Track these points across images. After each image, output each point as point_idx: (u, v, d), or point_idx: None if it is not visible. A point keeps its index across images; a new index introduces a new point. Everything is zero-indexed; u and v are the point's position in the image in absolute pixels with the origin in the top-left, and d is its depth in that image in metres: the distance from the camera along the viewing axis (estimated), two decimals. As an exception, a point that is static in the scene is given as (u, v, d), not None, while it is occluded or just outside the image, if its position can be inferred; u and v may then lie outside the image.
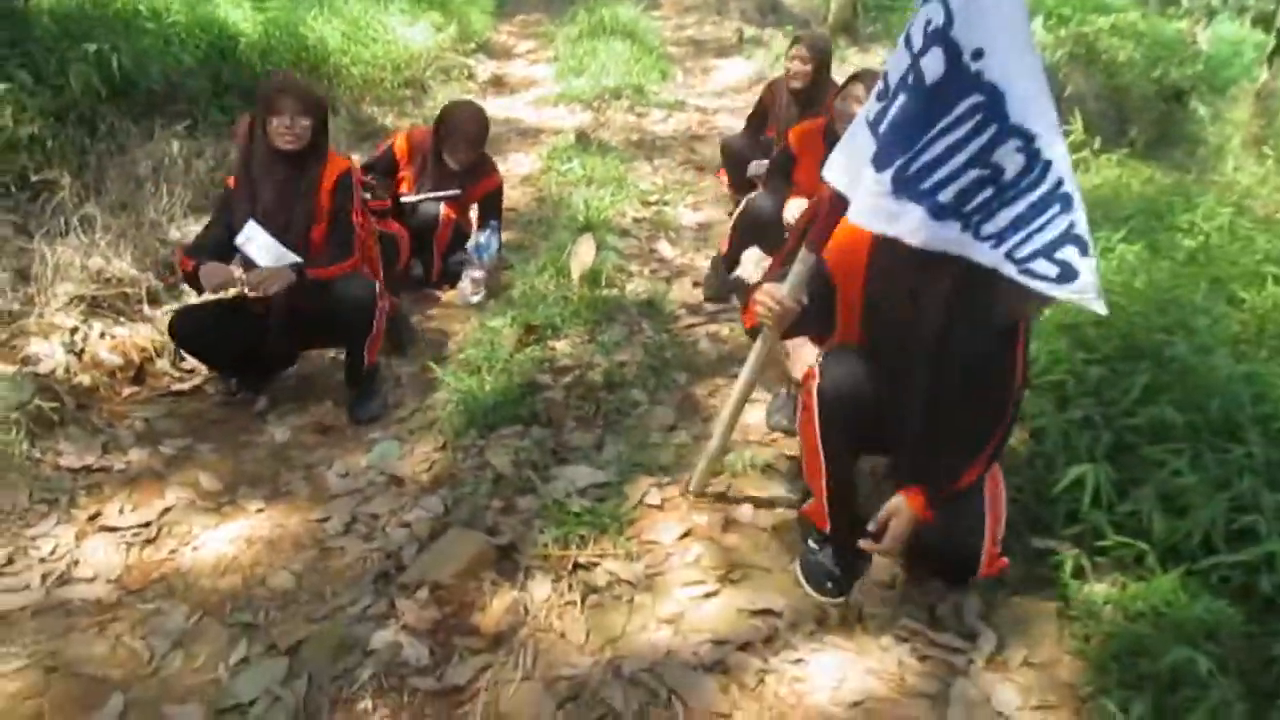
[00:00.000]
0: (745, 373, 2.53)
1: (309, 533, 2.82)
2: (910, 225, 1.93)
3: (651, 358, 3.61)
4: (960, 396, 2.16)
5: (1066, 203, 1.81)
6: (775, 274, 2.42)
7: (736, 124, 7.51)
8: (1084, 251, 1.79)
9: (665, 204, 5.57)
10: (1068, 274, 1.80)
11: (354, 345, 3.43)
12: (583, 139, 6.66)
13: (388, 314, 3.47)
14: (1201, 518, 2.14)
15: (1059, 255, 1.81)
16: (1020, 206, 1.85)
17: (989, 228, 1.90)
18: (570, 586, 2.50)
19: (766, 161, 4.55)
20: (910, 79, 1.87)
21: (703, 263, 4.65)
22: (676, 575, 2.52)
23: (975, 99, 1.82)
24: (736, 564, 2.57)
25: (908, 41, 1.89)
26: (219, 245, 3.27)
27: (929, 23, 1.84)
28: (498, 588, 2.52)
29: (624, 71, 8.66)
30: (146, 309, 4.01)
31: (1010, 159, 1.84)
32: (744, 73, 9.59)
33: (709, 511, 2.75)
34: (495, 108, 8.40)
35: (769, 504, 2.80)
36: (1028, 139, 1.81)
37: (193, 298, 3.75)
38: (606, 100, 8.04)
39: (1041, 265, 1.83)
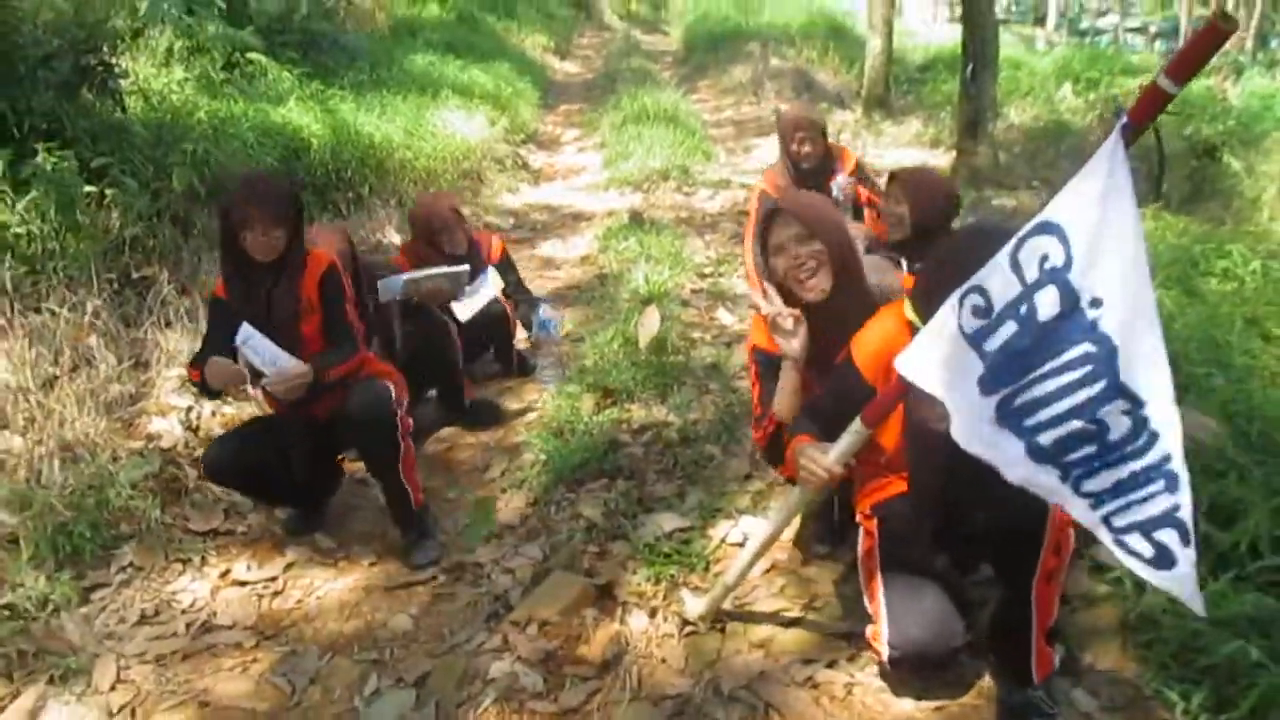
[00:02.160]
0: (773, 523, 2.45)
1: (420, 582, 3.07)
2: (1008, 458, 1.81)
3: (721, 414, 3.86)
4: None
5: (1173, 482, 1.65)
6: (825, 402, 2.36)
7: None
8: (1185, 540, 1.63)
9: (720, 275, 5.86)
10: (1164, 558, 1.65)
11: (384, 470, 3.19)
12: (636, 218, 7.01)
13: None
14: (1249, 525, 2.33)
15: (1157, 536, 1.67)
16: (1123, 472, 1.71)
17: (1090, 485, 1.76)
18: (666, 619, 2.73)
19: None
20: (1023, 309, 1.75)
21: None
22: (764, 605, 2.73)
23: (1088, 348, 1.69)
24: (817, 594, 2.78)
25: (1015, 266, 1.76)
26: (218, 352, 3.00)
27: (1045, 258, 1.72)
28: (599, 622, 2.75)
29: (669, 154, 9.05)
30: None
31: (1116, 420, 1.70)
32: (783, 150, 9.96)
33: (789, 549, 2.97)
34: (549, 194, 8.87)
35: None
36: (1136, 403, 1.67)
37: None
38: (654, 182, 8.42)
39: (1137, 541, 1.69)
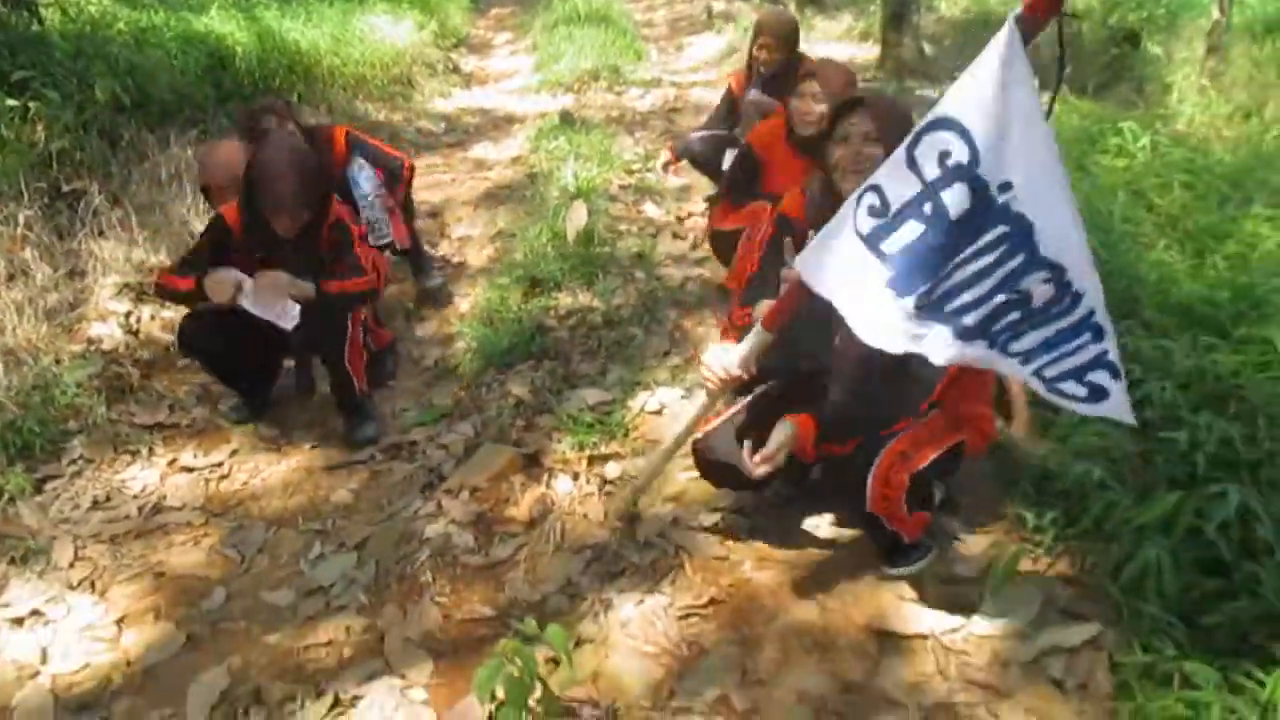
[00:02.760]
0: (683, 427, 2.52)
1: (360, 461, 3.27)
2: (935, 345, 1.90)
3: (644, 299, 4.05)
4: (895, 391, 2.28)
5: (1098, 333, 1.79)
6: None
7: (711, 95, 7.96)
8: (1115, 375, 1.79)
9: (648, 171, 5.98)
10: (1098, 394, 1.81)
11: (331, 354, 3.33)
12: (567, 119, 7.07)
13: (375, 340, 3.60)
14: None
15: (1090, 378, 1.81)
16: (1049, 331, 1.83)
17: (1016, 346, 1.87)
18: (588, 481, 2.95)
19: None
20: (927, 210, 1.81)
21: (688, 219, 5.09)
22: (676, 464, 2.94)
23: (1002, 229, 1.77)
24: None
25: (911, 163, 1.81)
26: (204, 269, 3.18)
27: (946, 155, 1.76)
28: (527, 487, 2.97)
29: (600, 55, 9.06)
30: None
31: (1038, 288, 1.79)
32: (715, 48, 10.01)
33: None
34: (481, 98, 8.87)
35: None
36: (1057, 269, 1.76)
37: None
38: (586, 83, 8.45)
39: (1070, 386, 1.83)
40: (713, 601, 2.38)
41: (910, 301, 1.87)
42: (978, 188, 1.73)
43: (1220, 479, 2.11)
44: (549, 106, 7.93)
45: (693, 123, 7.10)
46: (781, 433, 2.28)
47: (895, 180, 1.83)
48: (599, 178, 5.58)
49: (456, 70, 9.71)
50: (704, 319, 3.91)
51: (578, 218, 4.64)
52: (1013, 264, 1.77)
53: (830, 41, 10.25)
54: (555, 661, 2.14)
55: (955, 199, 1.75)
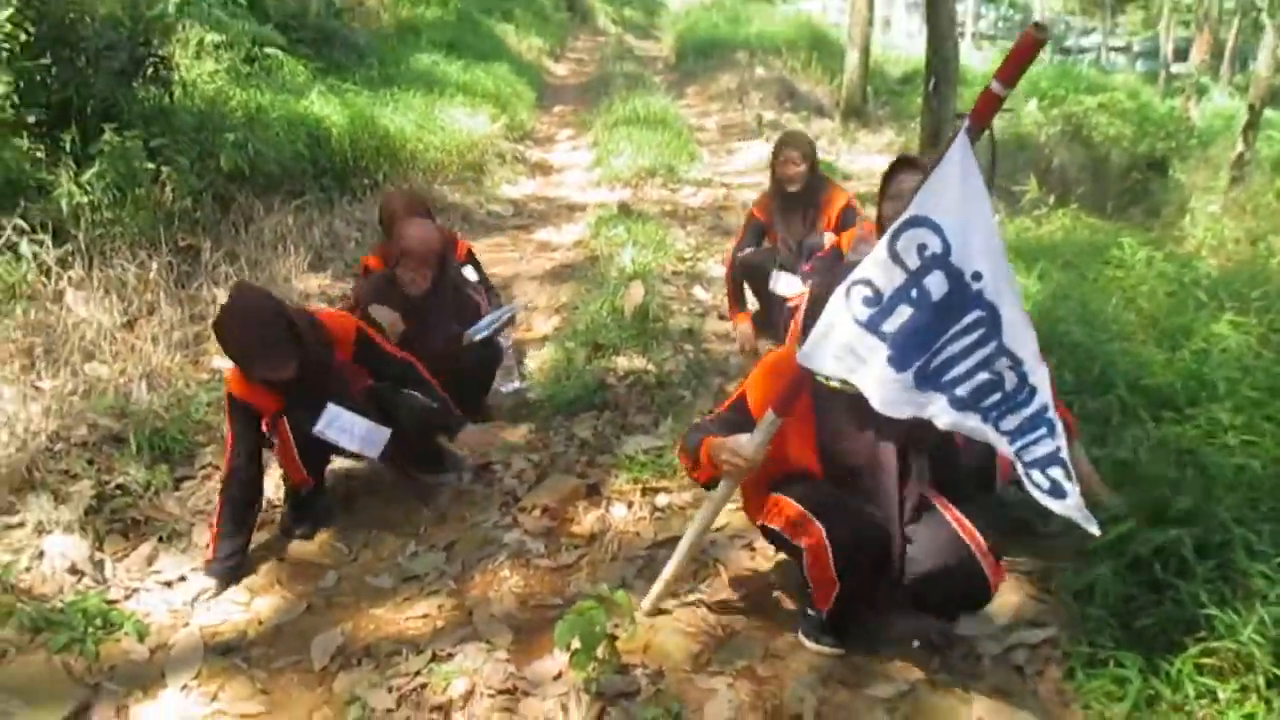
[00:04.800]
0: (701, 518, 2.63)
1: (445, 483, 3.81)
2: (937, 409, 2.07)
3: (692, 367, 4.62)
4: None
5: (1051, 429, 1.95)
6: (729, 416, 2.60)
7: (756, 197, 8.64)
8: (1069, 476, 1.94)
9: (698, 259, 6.62)
10: (1057, 491, 1.95)
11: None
12: (625, 209, 7.76)
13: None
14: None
15: (1049, 472, 1.96)
16: (1021, 417, 1.99)
17: (1005, 425, 2.03)
18: (641, 508, 3.48)
19: (786, 275, 4.80)
20: (914, 294, 1.99)
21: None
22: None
23: (978, 313, 1.97)
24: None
25: (895, 257, 2.00)
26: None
27: (924, 247, 1.96)
28: (588, 510, 3.51)
29: (657, 154, 9.79)
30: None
31: (1006, 374, 1.98)
32: (763, 153, 10.71)
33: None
34: (545, 188, 9.61)
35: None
36: (1016, 361, 1.96)
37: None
38: (643, 178, 9.17)
39: (1038, 476, 1.97)
40: (744, 598, 2.88)
41: (909, 375, 2.05)
42: (952, 274, 1.96)
43: (1165, 520, 2.61)
44: (608, 198, 8.63)
45: (739, 220, 7.77)
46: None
47: (882, 273, 2.04)
48: (654, 262, 6.20)
49: (523, 160, 10.49)
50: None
51: (635, 294, 5.24)
52: (988, 348, 1.99)
53: (871, 154, 10.96)
54: (613, 638, 2.63)
55: (935, 284, 1.98)
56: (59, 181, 5.41)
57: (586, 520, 3.45)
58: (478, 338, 4.09)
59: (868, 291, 2.07)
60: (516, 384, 4.67)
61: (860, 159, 10.47)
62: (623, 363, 4.62)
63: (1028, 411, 1.99)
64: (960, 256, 1.95)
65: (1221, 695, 2.20)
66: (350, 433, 3.28)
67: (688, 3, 30.46)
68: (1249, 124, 10.95)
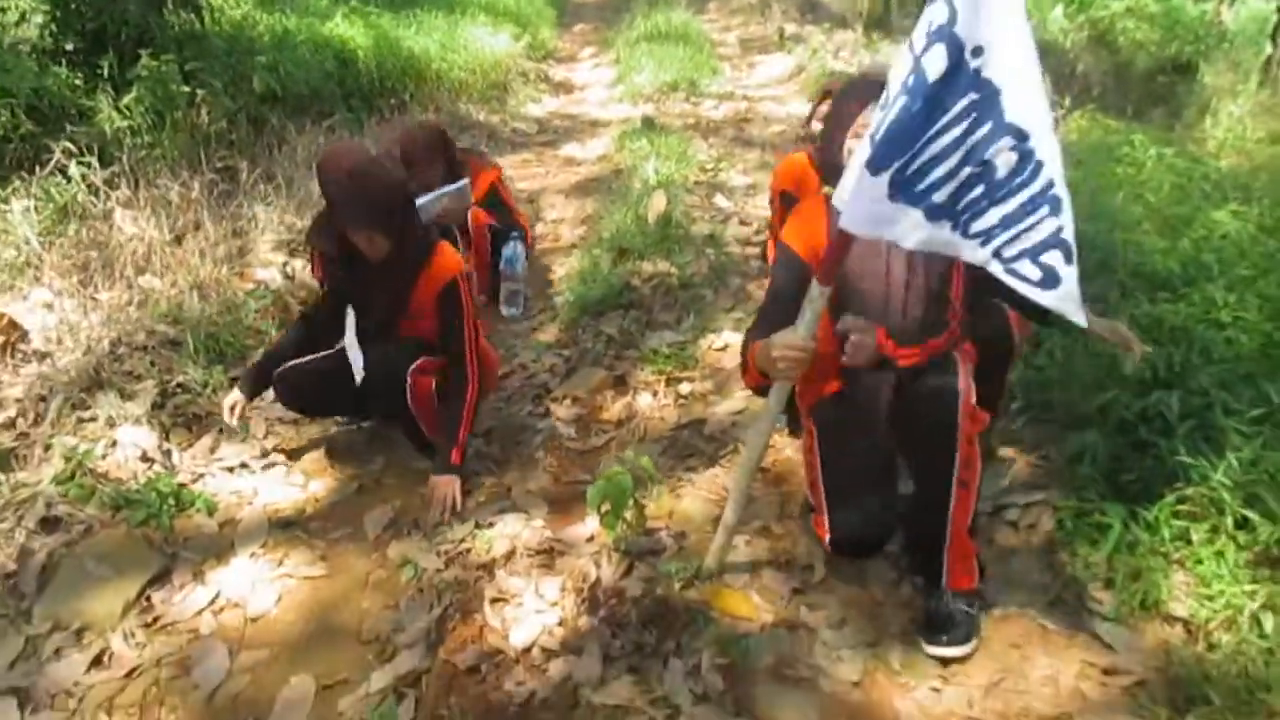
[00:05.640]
0: (758, 437, 2.44)
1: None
2: (905, 228, 1.94)
3: (714, 269, 4.80)
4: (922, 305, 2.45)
5: (1056, 206, 1.80)
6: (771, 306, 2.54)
7: (778, 109, 8.72)
8: (1068, 259, 1.79)
9: (720, 169, 6.75)
10: (1050, 279, 1.81)
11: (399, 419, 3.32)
12: (648, 123, 7.87)
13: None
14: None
15: (1044, 259, 1.81)
16: (1010, 205, 1.84)
17: (977, 225, 1.89)
18: (665, 396, 3.70)
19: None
20: (911, 81, 1.83)
21: (752, 210, 5.83)
22: (736, 387, 3.69)
23: (972, 96, 1.81)
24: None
25: (910, 46, 1.86)
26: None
27: (931, 23, 1.81)
28: (616, 399, 3.74)
29: (679, 69, 9.86)
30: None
31: (1002, 157, 1.82)
32: (785, 66, 10.76)
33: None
34: (568, 105, 9.71)
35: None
36: (1021, 137, 1.80)
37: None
38: (665, 94, 9.27)
39: (1026, 267, 1.84)
40: (764, 470, 3.10)
41: (884, 180, 1.90)
42: (953, 48, 1.79)
43: (1155, 386, 2.80)
44: (630, 114, 8.74)
45: (762, 132, 7.88)
46: (860, 329, 2.41)
47: (898, 68, 1.89)
48: (677, 174, 6.35)
49: (546, 79, 10.58)
50: (763, 285, 4.65)
51: (658, 203, 5.40)
52: (980, 133, 1.83)
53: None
54: (640, 504, 2.86)
55: (933, 61, 1.80)
56: (99, 106, 5.63)
57: (614, 408, 3.69)
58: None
59: (885, 96, 1.91)
60: (518, 310, 4.73)
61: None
62: (647, 267, 4.80)
63: (1025, 194, 1.82)
64: (965, 25, 1.78)
65: (1194, 536, 2.41)
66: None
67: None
68: (1279, 25, 10.82)
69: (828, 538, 2.54)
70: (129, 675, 2.55)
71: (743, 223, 5.64)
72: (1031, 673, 2.26)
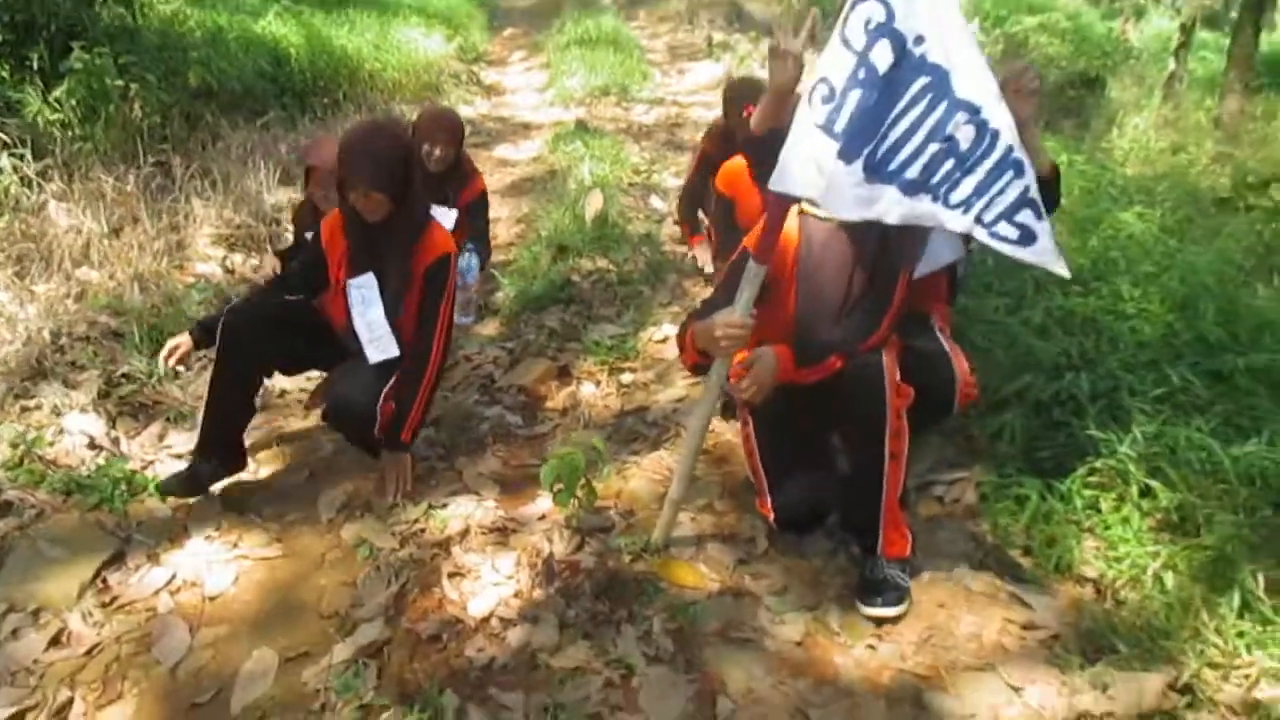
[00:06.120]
0: (699, 416, 2.58)
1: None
2: (886, 205, 2.06)
3: (651, 266, 4.95)
4: (863, 311, 2.58)
5: (1019, 169, 1.95)
6: (717, 296, 2.64)
7: (708, 115, 8.90)
8: (1038, 215, 1.95)
9: (653, 172, 6.91)
10: (1027, 237, 1.96)
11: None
12: (581, 127, 8.00)
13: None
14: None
15: (1018, 219, 1.95)
16: (979, 173, 1.97)
17: (955, 196, 2.01)
18: (608, 385, 3.84)
19: None
20: (861, 74, 1.98)
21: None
22: (677, 376, 3.84)
23: (924, 80, 1.96)
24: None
25: (845, 43, 2.01)
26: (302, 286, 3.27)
27: (868, 21, 1.96)
28: (560, 388, 3.87)
29: (610, 74, 10.01)
30: (267, 246, 5.31)
31: (961, 131, 1.95)
32: (714, 73, 10.96)
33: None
34: (500, 108, 9.79)
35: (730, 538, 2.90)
36: (974, 111, 1.94)
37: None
38: (596, 98, 9.42)
39: (1004, 228, 1.97)
40: (706, 452, 3.25)
41: (858, 166, 2.05)
42: (896, 41, 1.97)
43: (1068, 369, 3.02)
44: (562, 117, 8.86)
45: (693, 137, 8.06)
46: (760, 359, 2.44)
47: (835, 64, 2.04)
48: (611, 175, 6.49)
49: (478, 82, 10.65)
50: (698, 282, 4.81)
51: (595, 202, 5.53)
52: (938, 112, 1.98)
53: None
54: (591, 484, 2.97)
55: (880, 55, 1.98)
56: (27, 99, 5.56)
57: (559, 397, 3.81)
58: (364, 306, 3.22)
59: (825, 89, 2.06)
60: (471, 319, 4.59)
61: (809, 81, 10.71)
62: (586, 264, 4.94)
63: (989, 162, 1.98)
64: (902, 20, 1.96)
65: (1103, 505, 2.63)
66: (367, 318, 3.11)
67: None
68: (1181, 44, 11.37)
69: (771, 516, 2.71)
70: (89, 653, 2.59)
71: (677, 223, 5.78)
72: (958, 630, 2.44)
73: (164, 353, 3.12)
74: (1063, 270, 2.00)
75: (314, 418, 3.70)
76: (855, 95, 2.02)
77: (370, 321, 3.11)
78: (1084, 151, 6.07)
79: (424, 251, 3.13)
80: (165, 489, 3.12)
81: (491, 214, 6.26)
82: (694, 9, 14.24)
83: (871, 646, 2.41)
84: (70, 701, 2.42)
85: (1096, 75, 11.89)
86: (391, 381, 3.11)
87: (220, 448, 3.20)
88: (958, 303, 3.55)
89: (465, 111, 9.36)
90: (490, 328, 4.51)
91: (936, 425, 2.98)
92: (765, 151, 2.89)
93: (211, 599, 2.79)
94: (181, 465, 3.37)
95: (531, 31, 13.83)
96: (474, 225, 4.70)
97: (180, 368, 3.48)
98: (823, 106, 2.06)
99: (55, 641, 2.62)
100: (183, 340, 3.12)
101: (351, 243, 3.11)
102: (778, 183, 2.19)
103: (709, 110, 9.19)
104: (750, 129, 3.05)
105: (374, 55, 8.65)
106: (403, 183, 2.98)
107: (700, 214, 4.98)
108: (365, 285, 3.10)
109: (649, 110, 9.16)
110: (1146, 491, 2.59)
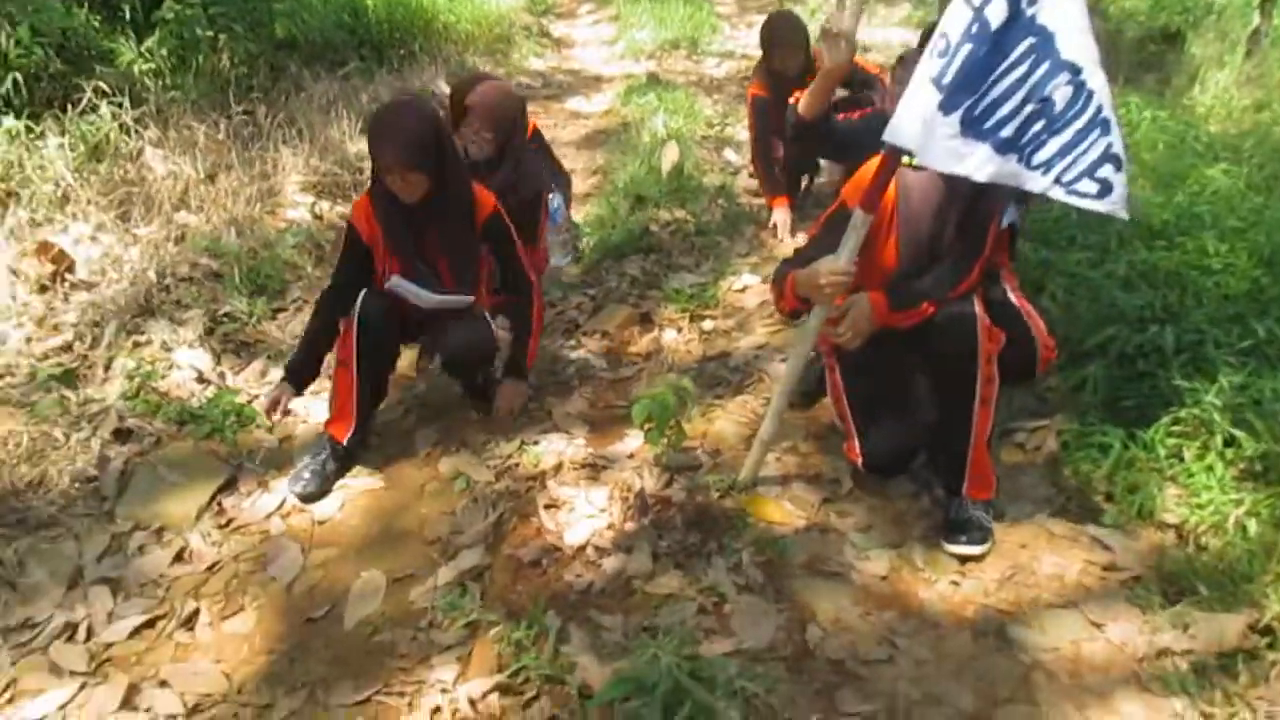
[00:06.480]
0: (796, 357, 2.66)
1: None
2: (977, 162, 2.13)
3: (728, 217, 5.01)
4: (955, 259, 2.62)
5: (1105, 126, 2.05)
6: (814, 246, 2.68)
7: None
8: (1119, 167, 2.07)
9: (726, 124, 6.93)
10: (1105, 189, 2.08)
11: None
12: (653, 79, 8.03)
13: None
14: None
15: (1099, 174, 2.06)
16: (1067, 135, 2.07)
17: (1039, 156, 2.11)
18: (689, 332, 3.93)
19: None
20: (974, 29, 2.04)
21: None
22: (757, 323, 3.92)
23: (1030, 40, 2.03)
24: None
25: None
26: (349, 290, 3.12)
27: None
28: (643, 334, 3.97)
29: (679, 27, 9.99)
30: (352, 194, 5.46)
31: (1060, 92, 2.04)
32: (783, 26, 10.88)
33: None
34: (570, 60, 9.84)
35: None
36: (1075, 72, 2.02)
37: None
38: (666, 50, 9.41)
39: (1085, 184, 2.08)
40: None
41: (956, 118, 2.13)
42: (1012, 1, 2.03)
43: (1152, 323, 3.05)
44: (632, 70, 8.88)
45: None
46: (855, 304, 2.54)
47: (954, 18, 2.09)
48: (685, 128, 6.53)
49: (547, 34, 10.69)
50: (776, 239, 4.87)
51: (671, 154, 5.59)
52: (1039, 72, 2.06)
53: (888, 26, 11.09)
54: (679, 423, 3.06)
55: (995, 11, 2.04)
56: (120, 49, 5.74)
57: (642, 342, 3.91)
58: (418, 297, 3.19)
59: (942, 43, 2.11)
60: (568, 258, 4.66)
61: (878, 32, 10.61)
62: (663, 214, 5.01)
63: (1080, 122, 2.07)
64: None
65: (1187, 454, 2.67)
66: (427, 300, 3.11)
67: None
68: (1265, -2, 11.06)
69: (860, 461, 2.78)
70: (210, 569, 2.77)
71: (752, 176, 5.83)
72: (1040, 569, 2.51)
73: (266, 407, 3.11)
74: (1123, 214, 2.14)
75: (406, 358, 3.84)
76: (966, 49, 2.07)
77: (434, 300, 3.11)
78: (1166, 107, 5.98)
79: (477, 215, 3.14)
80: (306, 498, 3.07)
81: (567, 164, 6.40)
82: (762, -40, 14.09)
83: (955, 582, 2.50)
84: (196, 612, 2.61)
85: (1177, 30, 11.60)
86: (498, 318, 3.31)
87: (363, 429, 3.21)
88: (1039, 255, 3.63)
89: (535, 64, 9.45)
90: (571, 275, 4.62)
91: (1017, 387, 3.01)
92: (816, 137, 3.06)
93: (320, 523, 2.96)
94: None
95: (600, -17, 13.80)
96: (544, 162, 4.43)
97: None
98: (938, 60, 2.12)
99: (178, 558, 2.81)
100: (281, 391, 3.11)
101: (390, 230, 3.06)
102: (892, 135, 2.23)
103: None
104: (799, 114, 2.97)
105: (448, 8, 8.72)
106: (438, 158, 2.92)
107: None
108: (400, 285, 3.06)
109: (720, 63, 9.14)
110: (1231, 441, 2.62)
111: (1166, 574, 2.43)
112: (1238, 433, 2.61)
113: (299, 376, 3.18)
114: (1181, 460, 2.69)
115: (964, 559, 2.55)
